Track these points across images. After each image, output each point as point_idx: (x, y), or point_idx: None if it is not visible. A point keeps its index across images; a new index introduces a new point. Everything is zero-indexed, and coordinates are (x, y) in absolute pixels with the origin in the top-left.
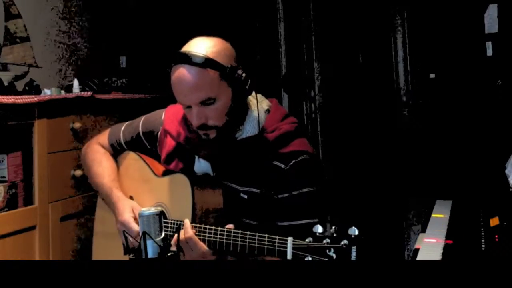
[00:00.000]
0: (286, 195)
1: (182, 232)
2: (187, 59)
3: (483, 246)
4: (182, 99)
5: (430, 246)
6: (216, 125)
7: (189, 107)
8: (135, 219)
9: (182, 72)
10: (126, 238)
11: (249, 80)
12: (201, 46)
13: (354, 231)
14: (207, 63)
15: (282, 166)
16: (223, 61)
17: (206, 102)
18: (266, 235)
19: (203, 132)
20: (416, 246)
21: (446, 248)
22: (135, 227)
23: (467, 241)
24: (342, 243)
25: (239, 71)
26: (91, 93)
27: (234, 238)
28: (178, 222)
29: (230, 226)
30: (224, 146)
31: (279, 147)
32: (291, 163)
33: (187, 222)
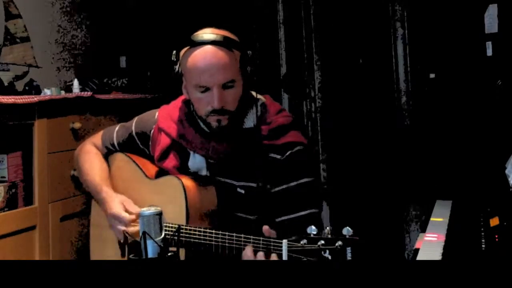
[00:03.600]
0: (284, 186)
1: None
2: (214, 39)
3: (483, 246)
4: (207, 79)
5: (430, 244)
6: (231, 111)
7: (206, 90)
8: (126, 211)
9: (210, 52)
10: (126, 239)
11: (255, 73)
12: (221, 32)
13: (348, 231)
14: (234, 44)
15: (278, 157)
16: (242, 45)
17: (228, 85)
18: (261, 238)
19: (217, 118)
20: (416, 246)
21: (446, 246)
22: (126, 216)
23: (467, 241)
24: (336, 244)
25: (251, 62)
26: (91, 93)
27: (229, 240)
28: (174, 225)
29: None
30: (234, 135)
31: (275, 139)
32: (287, 154)
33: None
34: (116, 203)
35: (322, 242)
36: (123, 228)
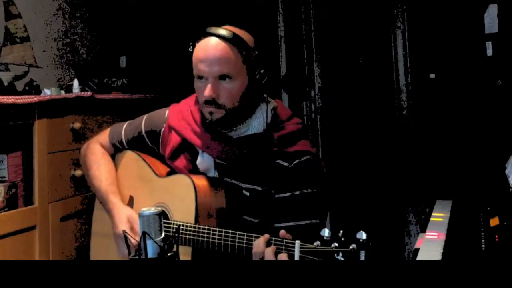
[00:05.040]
0: (287, 194)
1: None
2: (219, 32)
3: (483, 246)
4: (203, 69)
5: (430, 243)
6: (225, 105)
7: (205, 80)
8: (132, 229)
9: (211, 42)
10: (126, 239)
11: (266, 77)
12: (233, 28)
13: (362, 235)
14: (237, 41)
15: (286, 164)
16: (249, 45)
17: (224, 78)
18: (273, 238)
19: (209, 110)
20: (416, 245)
21: (446, 246)
22: (133, 241)
23: (467, 241)
24: (350, 247)
25: (260, 63)
26: (91, 93)
27: (239, 240)
28: (179, 223)
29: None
30: (243, 138)
31: (284, 147)
32: (295, 162)
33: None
34: (123, 223)
35: (336, 244)
36: (131, 240)
